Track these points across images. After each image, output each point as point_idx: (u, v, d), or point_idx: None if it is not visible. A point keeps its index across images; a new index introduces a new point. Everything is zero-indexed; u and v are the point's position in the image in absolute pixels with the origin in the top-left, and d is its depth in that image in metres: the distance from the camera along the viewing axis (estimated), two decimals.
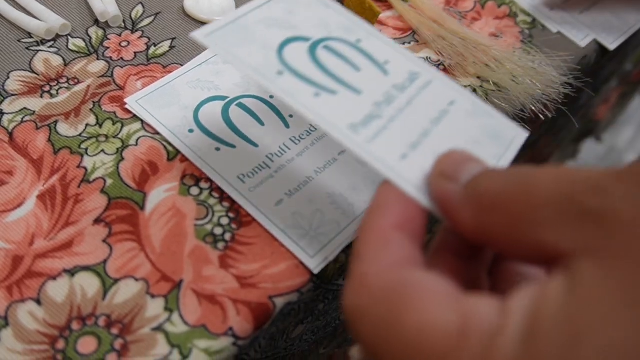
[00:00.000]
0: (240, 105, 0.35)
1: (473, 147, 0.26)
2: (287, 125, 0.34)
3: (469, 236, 0.21)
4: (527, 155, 0.60)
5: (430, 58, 0.42)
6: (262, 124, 0.34)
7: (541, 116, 0.39)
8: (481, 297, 0.18)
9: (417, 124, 0.26)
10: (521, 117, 0.39)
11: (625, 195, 0.16)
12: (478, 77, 0.41)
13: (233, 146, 0.33)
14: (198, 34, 0.27)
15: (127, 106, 0.34)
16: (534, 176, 0.19)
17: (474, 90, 0.40)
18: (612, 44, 0.47)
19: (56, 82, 0.35)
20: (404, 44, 0.42)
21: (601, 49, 0.48)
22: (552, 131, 0.60)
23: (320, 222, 0.30)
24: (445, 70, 0.41)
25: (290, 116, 0.35)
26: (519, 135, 0.28)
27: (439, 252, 0.23)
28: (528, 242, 0.18)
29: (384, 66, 0.29)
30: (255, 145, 0.33)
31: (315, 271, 0.29)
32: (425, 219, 0.22)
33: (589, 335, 0.14)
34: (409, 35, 0.43)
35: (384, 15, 0.44)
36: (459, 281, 0.21)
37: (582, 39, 0.46)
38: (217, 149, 0.32)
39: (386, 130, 0.26)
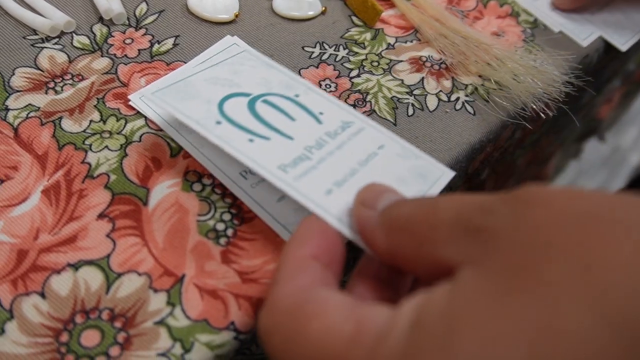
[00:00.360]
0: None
1: (397, 184, 0.28)
2: None
3: (382, 257, 0.23)
4: (529, 154, 0.60)
5: (432, 56, 0.42)
6: None
7: (542, 115, 0.39)
8: (376, 306, 0.20)
9: (345, 165, 0.29)
10: (522, 116, 0.39)
11: (505, 214, 0.19)
12: (480, 76, 0.41)
13: None
14: (147, 91, 0.30)
15: (130, 103, 0.34)
16: (437, 202, 0.22)
17: (475, 89, 0.40)
18: (623, 45, 0.47)
19: (61, 78, 0.35)
20: (405, 42, 0.43)
21: (604, 49, 0.48)
22: (554, 130, 0.60)
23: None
24: (447, 68, 0.41)
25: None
26: (445, 175, 0.31)
27: (358, 276, 0.25)
28: (429, 259, 0.21)
29: (318, 116, 0.32)
30: None
31: None
32: (342, 251, 0.24)
33: (465, 325, 0.17)
34: (411, 33, 0.43)
35: (386, 13, 0.45)
36: (376, 302, 0.23)
37: (584, 38, 0.47)
38: None
39: (314, 169, 0.28)
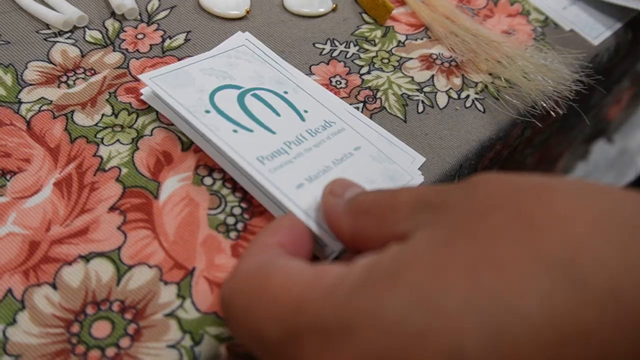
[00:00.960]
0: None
1: (367, 184, 0.30)
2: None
3: (346, 241, 0.26)
4: (537, 154, 0.60)
5: (442, 54, 0.42)
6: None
7: (552, 113, 0.39)
8: (333, 263, 0.23)
9: (319, 162, 0.31)
10: (532, 114, 0.39)
11: (457, 192, 0.21)
12: (490, 74, 0.41)
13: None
14: (145, 76, 0.32)
15: (142, 97, 0.34)
16: (398, 190, 0.24)
17: (485, 87, 0.40)
18: None
19: (73, 72, 0.36)
20: (416, 40, 0.43)
21: (614, 48, 0.48)
22: (563, 130, 0.60)
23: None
24: (457, 66, 0.41)
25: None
26: (415, 179, 0.33)
27: None
28: (388, 237, 0.22)
29: (302, 114, 0.34)
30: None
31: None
32: (310, 246, 0.27)
33: (412, 261, 0.19)
34: (422, 31, 0.44)
35: (397, 11, 0.45)
36: None
37: (595, 37, 0.46)
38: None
39: (290, 164, 0.30)
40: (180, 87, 0.32)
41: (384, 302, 0.18)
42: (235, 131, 0.31)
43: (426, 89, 0.39)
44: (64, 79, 0.35)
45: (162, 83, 0.32)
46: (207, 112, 0.31)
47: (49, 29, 0.38)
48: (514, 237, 0.18)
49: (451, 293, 0.17)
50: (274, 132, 0.32)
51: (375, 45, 0.42)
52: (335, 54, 0.40)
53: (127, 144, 0.33)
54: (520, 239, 0.18)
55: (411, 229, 0.21)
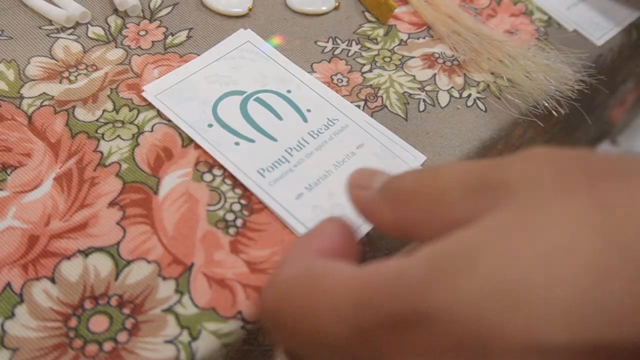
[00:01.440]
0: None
1: None
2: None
3: (390, 230, 0.23)
4: None
5: (444, 53, 0.42)
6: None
7: (554, 113, 0.39)
8: (378, 260, 0.21)
9: (320, 167, 0.32)
10: (534, 114, 0.39)
11: (516, 167, 0.20)
12: (492, 73, 0.41)
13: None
14: (150, 93, 0.33)
15: (143, 94, 0.35)
16: (437, 169, 0.22)
17: (487, 86, 0.40)
18: None
19: (75, 68, 0.36)
20: (418, 39, 0.43)
21: (618, 48, 0.47)
22: (566, 131, 0.60)
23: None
24: (459, 65, 0.41)
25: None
26: None
27: None
28: (444, 222, 0.21)
29: (305, 114, 0.34)
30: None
31: None
32: (353, 251, 0.25)
33: (481, 253, 0.18)
34: (424, 30, 0.43)
35: (399, 10, 0.45)
36: None
37: (599, 37, 0.46)
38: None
39: (290, 172, 0.31)
40: (184, 101, 0.33)
41: (457, 292, 0.18)
42: (237, 144, 0.32)
43: (428, 88, 0.39)
44: (66, 74, 0.35)
45: (166, 100, 0.33)
46: (210, 126, 0.32)
47: (52, 25, 0.38)
48: (591, 224, 0.17)
49: (529, 284, 0.17)
50: (275, 140, 0.32)
51: (377, 43, 0.42)
52: (337, 52, 0.40)
53: (128, 140, 0.33)
54: (599, 227, 0.17)
55: (471, 212, 0.20)
